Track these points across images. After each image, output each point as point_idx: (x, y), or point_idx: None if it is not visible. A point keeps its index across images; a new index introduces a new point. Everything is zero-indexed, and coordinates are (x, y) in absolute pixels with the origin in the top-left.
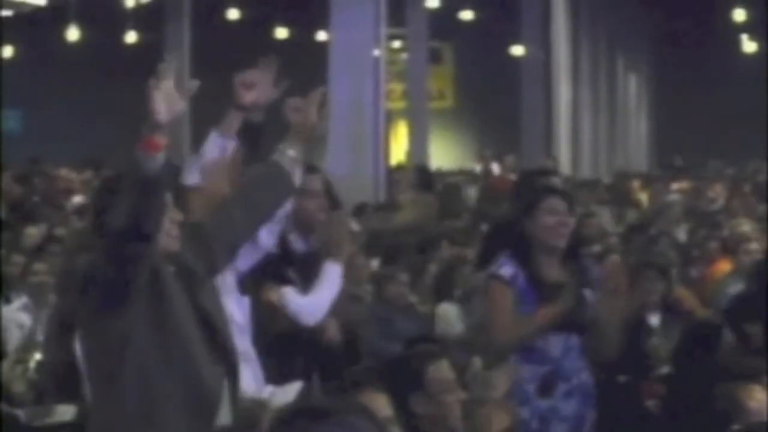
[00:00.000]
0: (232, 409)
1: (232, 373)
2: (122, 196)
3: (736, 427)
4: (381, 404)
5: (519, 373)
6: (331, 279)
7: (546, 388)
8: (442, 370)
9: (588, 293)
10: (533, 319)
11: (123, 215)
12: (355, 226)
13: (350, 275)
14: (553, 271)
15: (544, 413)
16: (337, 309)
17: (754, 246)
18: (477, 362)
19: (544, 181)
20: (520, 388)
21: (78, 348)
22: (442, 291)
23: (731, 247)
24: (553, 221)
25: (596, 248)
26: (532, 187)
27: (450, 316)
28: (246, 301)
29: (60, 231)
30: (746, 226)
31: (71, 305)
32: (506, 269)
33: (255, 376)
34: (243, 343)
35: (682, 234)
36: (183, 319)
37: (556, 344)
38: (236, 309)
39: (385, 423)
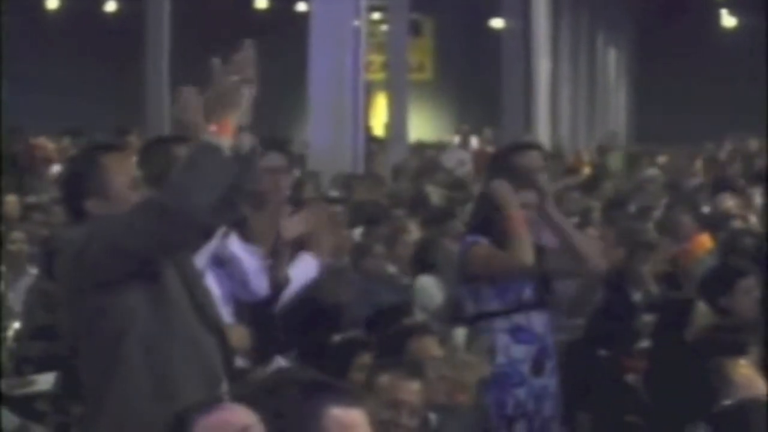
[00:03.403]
0: (226, 379)
1: (222, 343)
2: (195, 174)
3: (727, 402)
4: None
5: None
6: (301, 271)
7: (539, 366)
8: (428, 346)
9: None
10: (516, 233)
11: (204, 191)
12: (335, 194)
13: (332, 246)
14: None
15: (538, 391)
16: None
17: (738, 223)
18: (459, 334)
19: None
20: (515, 370)
21: (68, 322)
22: (421, 263)
23: (714, 224)
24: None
25: (574, 221)
26: (508, 165)
27: (429, 287)
28: (222, 273)
29: (37, 199)
30: (730, 202)
31: (64, 277)
32: (482, 240)
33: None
34: (225, 316)
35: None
36: (177, 292)
37: (538, 322)
38: (214, 283)
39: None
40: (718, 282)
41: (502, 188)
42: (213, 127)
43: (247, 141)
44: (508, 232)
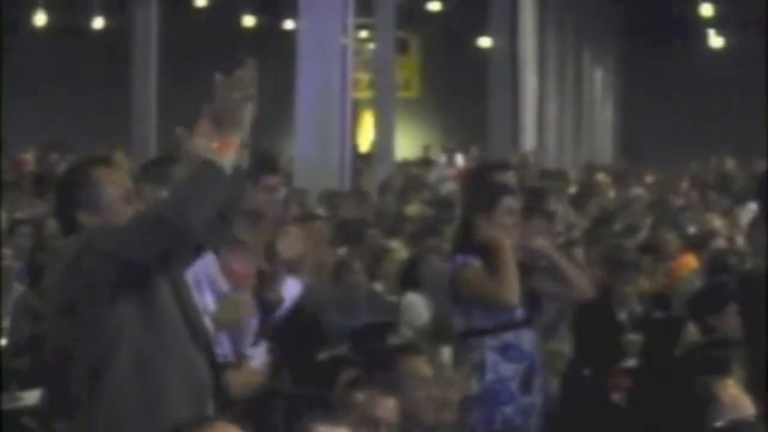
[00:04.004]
0: (216, 397)
1: (212, 361)
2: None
3: (719, 423)
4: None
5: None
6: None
7: (527, 384)
8: (417, 366)
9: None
10: (503, 264)
11: (204, 207)
12: (321, 212)
13: (315, 263)
14: None
15: (526, 408)
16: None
17: (721, 243)
18: (445, 352)
19: (498, 176)
20: (504, 387)
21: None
22: (407, 280)
23: (698, 243)
24: (511, 221)
25: (559, 240)
26: (489, 185)
27: (416, 305)
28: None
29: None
30: (716, 223)
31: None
32: (474, 261)
33: None
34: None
35: (646, 229)
36: (170, 308)
37: (527, 340)
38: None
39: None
40: (708, 302)
41: (487, 231)
42: (215, 145)
43: (245, 158)
44: (497, 266)
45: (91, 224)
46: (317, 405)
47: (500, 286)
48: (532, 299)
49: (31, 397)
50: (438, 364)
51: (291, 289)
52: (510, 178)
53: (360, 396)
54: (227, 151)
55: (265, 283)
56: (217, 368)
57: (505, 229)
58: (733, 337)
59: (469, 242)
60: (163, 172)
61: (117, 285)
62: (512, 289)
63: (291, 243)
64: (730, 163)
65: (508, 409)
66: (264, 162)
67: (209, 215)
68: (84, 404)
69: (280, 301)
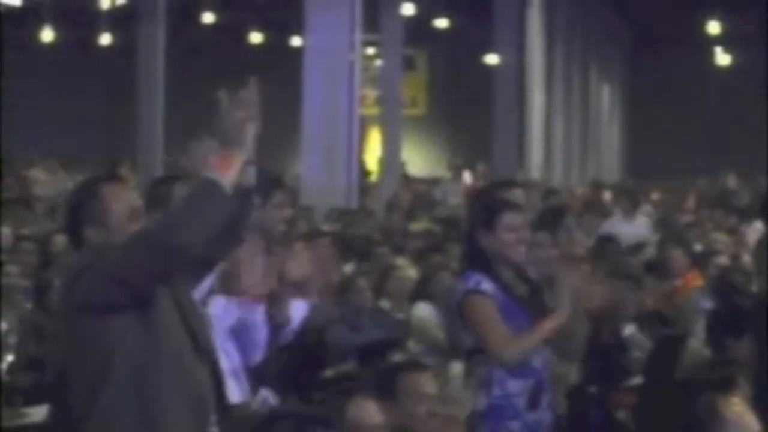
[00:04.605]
0: (217, 410)
1: (214, 374)
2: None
3: None
4: (371, 411)
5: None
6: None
7: (534, 400)
8: (419, 382)
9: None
10: (536, 332)
11: (201, 226)
12: (327, 229)
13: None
14: (516, 284)
15: (532, 426)
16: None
17: (723, 260)
18: (456, 368)
19: (504, 194)
20: (509, 403)
21: (59, 349)
22: (419, 297)
23: (702, 261)
24: (512, 238)
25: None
26: (490, 201)
27: (427, 320)
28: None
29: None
30: (720, 240)
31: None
32: (486, 285)
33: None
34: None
35: (652, 246)
36: (170, 319)
37: (536, 356)
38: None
39: (375, 430)
40: (730, 325)
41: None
42: (216, 163)
43: (252, 175)
44: (535, 334)
45: (97, 240)
46: (324, 423)
47: (505, 344)
48: (543, 315)
49: (37, 413)
50: (446, 380)
51: (298, 309)
52: (517, 195)
53: (350, 406)
54: (228, 170)
55: (273, 304)
56: (220, 380)
57: (507, 245)
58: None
59: (477, 258)
60: (167, 192)
61: (115, 302)
62: (512, 350)
63: (298, 263)
64: (732, 181)
65: (514, 425)
66: (271, 179)
67: (208, 234)
68: (82, 412)
69: (287, 321)
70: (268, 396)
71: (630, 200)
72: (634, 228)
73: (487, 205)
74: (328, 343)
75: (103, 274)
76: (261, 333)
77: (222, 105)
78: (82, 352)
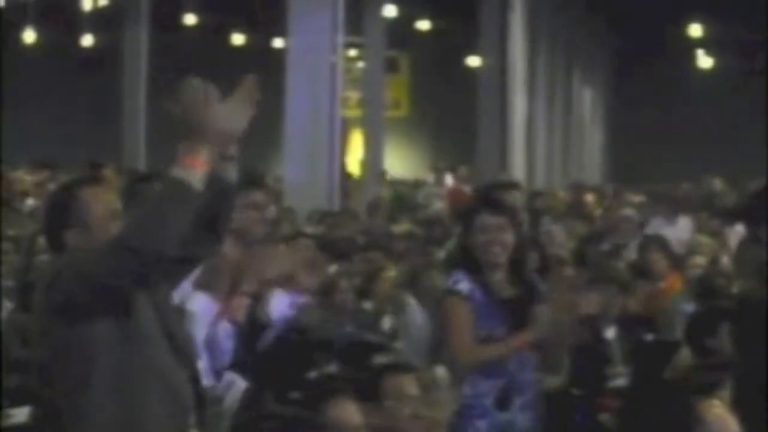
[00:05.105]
0: (196, 413)
1: (194, 377)
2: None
3: None
4: (351, 412)
5: (477, 388)
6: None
7: (503, 401)
8: (403, 384)
9: (538, 308)
10: (505, 344)
11: (169, 227)
12: (310, 231)
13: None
14: (503, 286)
15: (503, 426)
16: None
17: (700, 260)
18: (439, 370)
19: (502, 195)
20: (479, 402)
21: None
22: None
23: (680, 263)
24: (484, 239)
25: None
26: (472, 202)
27: (414, 320)
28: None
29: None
30: (702, 243)
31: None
32: (463, 285)
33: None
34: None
35: (633, 248)
36: (148, 323)
37: (511, 358)
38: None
39: (356, 431)
40: (704, 325)
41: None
42: (184, 159)
43: (234, 172)
44: (504, 346)
45: (77, 244)
46: (305, 425)
47: (463, 350)
48: (526, 320)
49: (21, 414)
50: (430, 382)
51: (280, 305)
52: (516, 197)
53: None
54: (197, 166)
55: (255, 304)
56: (200, 385)
57: (480, 247)
58: (727, 359)
59: (463, 257)
60: (145, 190)
61: (94, 306)
62: (473, 359)
63: (279, 262)
64: (717, 184)
65: (482, 424)
66: (248, 178)
67: (177, 233)
68: (65, 418)
69: (268, 321)
70: (233, 379)
71: (669, 203)
72: (677, 231)
73: (468, 205)
74: (311, 344)
75: (81, 277)
76: (227, 344)
77: (185, 96)
78: (63, 357)
